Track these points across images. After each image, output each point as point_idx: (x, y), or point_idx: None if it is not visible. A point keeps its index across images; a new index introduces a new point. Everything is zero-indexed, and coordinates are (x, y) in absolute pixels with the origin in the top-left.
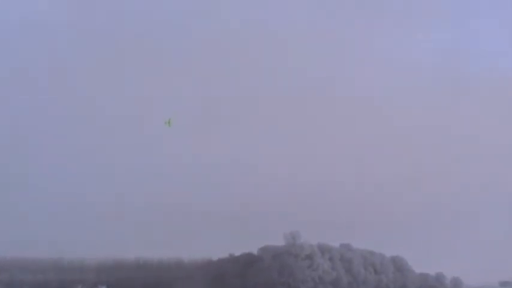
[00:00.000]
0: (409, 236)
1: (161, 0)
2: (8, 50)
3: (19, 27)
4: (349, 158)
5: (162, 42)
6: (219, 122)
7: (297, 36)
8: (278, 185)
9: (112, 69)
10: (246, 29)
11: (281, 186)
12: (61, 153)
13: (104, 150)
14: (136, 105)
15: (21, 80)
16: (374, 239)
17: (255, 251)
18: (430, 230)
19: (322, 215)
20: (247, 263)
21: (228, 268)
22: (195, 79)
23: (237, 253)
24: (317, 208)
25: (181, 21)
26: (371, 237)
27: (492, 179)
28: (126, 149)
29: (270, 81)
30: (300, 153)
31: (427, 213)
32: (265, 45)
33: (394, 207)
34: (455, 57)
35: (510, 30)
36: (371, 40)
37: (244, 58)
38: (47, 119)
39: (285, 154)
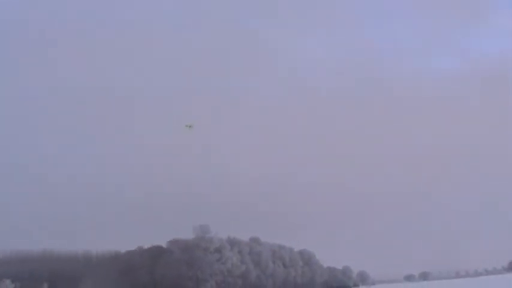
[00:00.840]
0: (317, 231)
1: None
2: None
3: None
4: (257, 152)
5: None
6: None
7: (212, 35)
8: (186, 177)
9: None
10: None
11: (190, 178)
12: None
13: None
14: None
15: None
16: (283, 233)
17: (164, 244)
18: (336, 225)
19: (232, 208)
20: (155, 255)
21: (136, 260)
22: None
23: (146, 245)
24: (226, 202)
25: None
26: (280, 231)
27: (387, 180)
28: None
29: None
30: (205, 147)
31: (335, 209)
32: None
33: (302, 203)
34: (374, 57)
35: (426, 31)
36: (294, 40)
37: None
38: None
39: (191, 148)
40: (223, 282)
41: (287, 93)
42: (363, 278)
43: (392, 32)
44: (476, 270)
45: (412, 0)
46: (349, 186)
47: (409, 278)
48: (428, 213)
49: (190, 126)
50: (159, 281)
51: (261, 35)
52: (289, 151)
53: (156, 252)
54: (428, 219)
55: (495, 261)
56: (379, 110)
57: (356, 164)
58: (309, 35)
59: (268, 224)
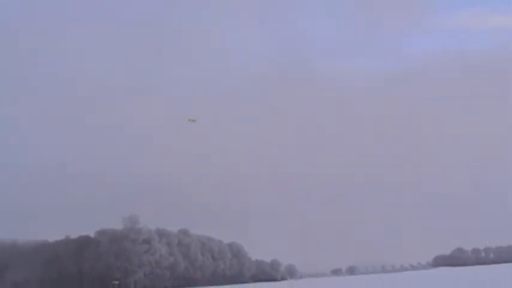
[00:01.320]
0: (246, 224)
1: None
2: None
3: None
4: (185, 144)
5: None
6: None
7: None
8: (115, 168)
9: None
10: None
11: (119, 169)
12: None
13: None
14: None
15: None
16: (212, 225)
17: (91, 234)
18: (266, 219)
19: (162, 199)
20: (83, 245)
21: (63, 250)
22: None
23: (73, 236)
24: (156, 193)
25: None
26: (210, 224)
27: (314, 176)
28: None
29: None
30: (127, 137)
31: (264, 204)
32: None
33: (233, 196)
34: (306, 53)
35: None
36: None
37: None
38: None
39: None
40: (151, 274)
41: (210, 85)
42: (291, 271)
43: (326, 30)
44: (402, 265)
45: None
46: (278, 182)
47: (336, 272)
48: (356, 210)
49: (193, 120)
50: (87, 271)
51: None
52: (220, 143)
53: (84, 243)
54: (356, 215)
55: (421, 256)
56: (308, 105)
57: (287, 160)
58: (241, 28)
59: (199, 216)
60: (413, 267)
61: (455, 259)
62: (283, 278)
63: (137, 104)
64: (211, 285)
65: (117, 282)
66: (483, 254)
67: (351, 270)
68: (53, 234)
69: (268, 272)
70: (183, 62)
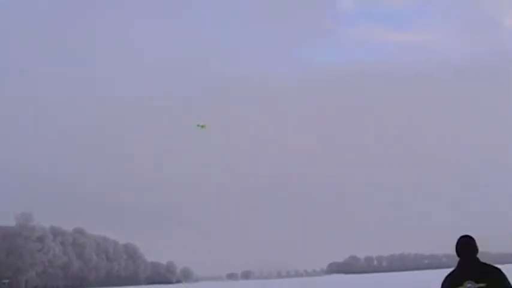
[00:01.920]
0: (143, 225)
1: None
2: None
3: None
4: (92, 144)
5: None
6: None
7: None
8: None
9: None
10: None
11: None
12: None
13: None
14: None
15: None
16: (109, 225)
17: None
18: (162, 220)
19: (57, 198)
20: None
21: None
22: None
23: None
24: (52, 191)
25: None
26: (107, 223)
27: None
28: None
29: None
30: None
31: (162, 204)
32: None
33: (130, 196)
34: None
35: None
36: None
37: None
38: None
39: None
40: (43, 273)
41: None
42: (186, 274)
43: (235, 33)
44: (297, 271)
45: (263, 6)
46: (178, 182)
47: (231, 276)
48: (253, 215)
49: (203, 126)
50: None
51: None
52: (127, 144)
53: None
54: (253, 221)
55: (316, 263)
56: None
57: (191, 164)
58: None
59: (95, 215)
60: (307, 274)
61: (349, 266)
62: (178, 281)
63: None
64: (105, 286)
65: (7, 281)
66: (376, 262)
67: (246, 275)
68: None
69: (163, 275)
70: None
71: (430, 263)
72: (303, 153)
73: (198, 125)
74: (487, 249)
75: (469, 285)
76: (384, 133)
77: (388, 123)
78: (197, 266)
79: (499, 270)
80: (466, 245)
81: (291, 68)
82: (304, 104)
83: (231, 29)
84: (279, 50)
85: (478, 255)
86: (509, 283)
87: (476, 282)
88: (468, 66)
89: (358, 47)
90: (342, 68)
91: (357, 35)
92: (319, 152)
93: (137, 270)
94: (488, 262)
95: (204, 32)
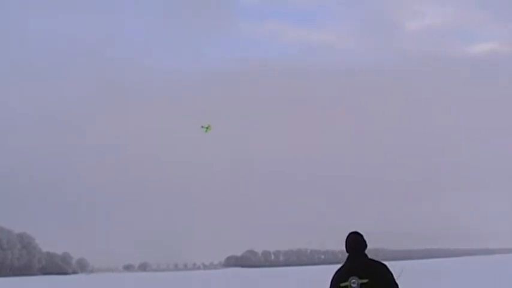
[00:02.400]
0: (39, 214)
1: None
2: None
3: None
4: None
5: None
6: None
7: None
8: None
9: None
10: None
11: None
12: None
13: None
14: None
15: None
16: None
17: None
18: (60, 209)
19: None
20: None
21: None
22: None
23: None
24: None
25: None
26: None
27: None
28: None
29: None
30: None
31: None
32: None
33: (28, 184)
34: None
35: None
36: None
37: None
38: None
39: None
40: None
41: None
42: (82, 265)
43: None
44: (194, 264)
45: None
46: (74, 172)
47: (128, 268)
48: (151, 207)
49: (207, 128)
50: None
51: None
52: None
53: None
54: (149, 214)
55: (213, 256)
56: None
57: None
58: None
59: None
60: (205, 267)
61: (246, 260)
62: (74, 272)
63: None
64: None
65: None
66: (273, 257)
67: (144, 267)
68: None
69: (59, 265)
70: None
71: (326, 259)
72: (198, 145)
73: (202, 127)
74: (383, 246)
75: (353, 280)
76: (283, 127)
77: (284, 118)
78: (93, 257)
79: (384, 266)
80: (353, 241)
81: (194, 64)
82: (205, 100)
83: (131, 20)
84: (180, 46)
85: (374, 252)
86: (392, 278)
87: (360, 278)
88: (371, 69)
89: (262, 44)
90: (242, 63)
91: (261, 32)
92: (215, 144)
93: (32, 260)
94: (376, 259)
95: (100, 22)
